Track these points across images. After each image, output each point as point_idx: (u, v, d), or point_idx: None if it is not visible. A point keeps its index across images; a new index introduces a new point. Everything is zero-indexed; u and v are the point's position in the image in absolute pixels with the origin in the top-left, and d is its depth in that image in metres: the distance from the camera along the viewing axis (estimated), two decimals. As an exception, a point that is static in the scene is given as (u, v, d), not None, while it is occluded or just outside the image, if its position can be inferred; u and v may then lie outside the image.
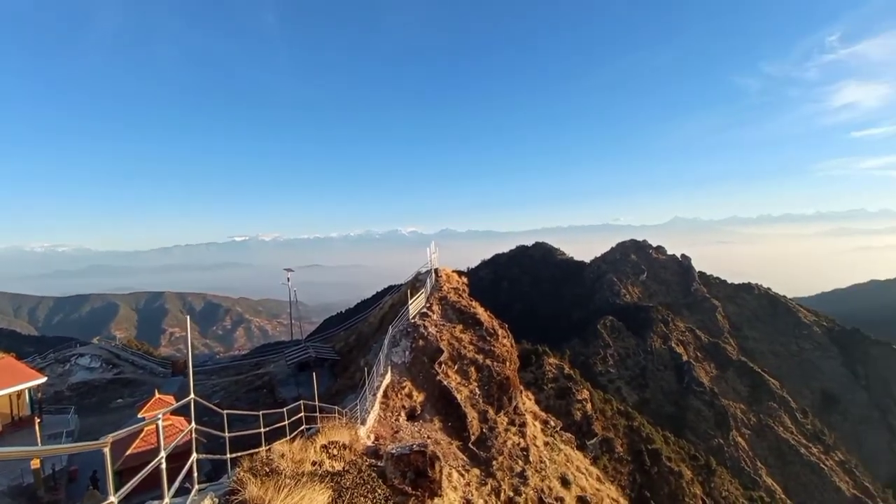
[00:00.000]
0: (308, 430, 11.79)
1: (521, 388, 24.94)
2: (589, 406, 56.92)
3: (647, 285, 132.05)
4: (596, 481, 22.83)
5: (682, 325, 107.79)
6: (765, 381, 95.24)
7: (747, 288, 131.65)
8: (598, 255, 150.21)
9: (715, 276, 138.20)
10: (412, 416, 16.48)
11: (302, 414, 11.40)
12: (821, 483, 76.92)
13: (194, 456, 4.56)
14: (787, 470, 79.03)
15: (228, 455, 6.57)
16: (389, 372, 17.38)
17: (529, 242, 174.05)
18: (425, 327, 19.66)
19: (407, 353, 18.65)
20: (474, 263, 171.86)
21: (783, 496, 72.12)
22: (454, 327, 20.76)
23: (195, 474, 4.90)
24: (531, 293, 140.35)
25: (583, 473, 22.27)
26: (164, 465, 3.82)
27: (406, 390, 17.10)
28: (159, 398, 20.23)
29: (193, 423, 4.65)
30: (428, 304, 21.50)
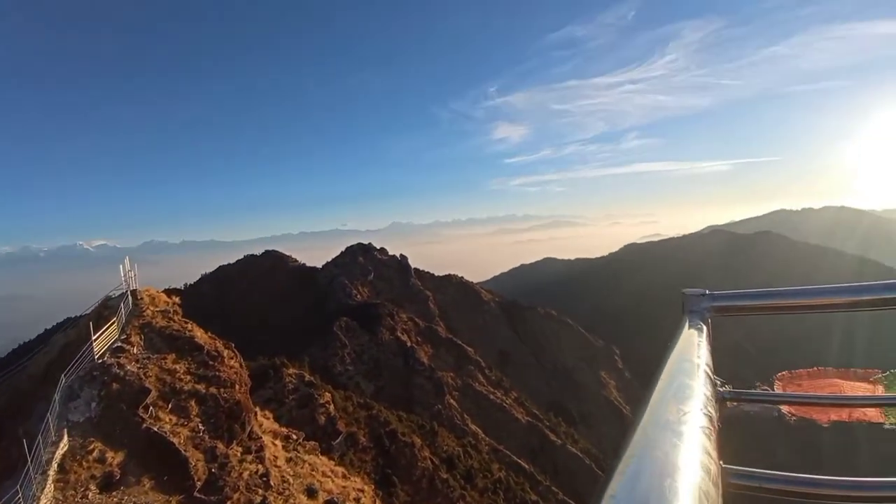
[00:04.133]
0: None
1: (257, 409, 23.15)
2: (332, 407, 57.70)
3: (374, 284, 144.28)
4: (342, 479, 23.54)
5: (404, 315, 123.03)
6: (464, 350, 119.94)
7: (448, 278, 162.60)
8: (329, 259, 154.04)
9: (426, 270, 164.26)
10: (109, 485, 12.84)
11: None
12: (506, 418, 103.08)
13: None
14: (484, 414, 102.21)
15: None
16: (66, 436, 12.96)
17: (258, 251, 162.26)
18: (120, 365, 15.54)
19: (93, 404, 14.32)
20: (195, 278, 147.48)
21: (484, 436, 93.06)
22: (164, 358, 17.24)
23: None
24: (264, 305, 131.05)
25: (329, 476, 22.54)
26: None
27: (95, 454, 13.14)
28: None
29: None
30: (124, 336, 17.00)
